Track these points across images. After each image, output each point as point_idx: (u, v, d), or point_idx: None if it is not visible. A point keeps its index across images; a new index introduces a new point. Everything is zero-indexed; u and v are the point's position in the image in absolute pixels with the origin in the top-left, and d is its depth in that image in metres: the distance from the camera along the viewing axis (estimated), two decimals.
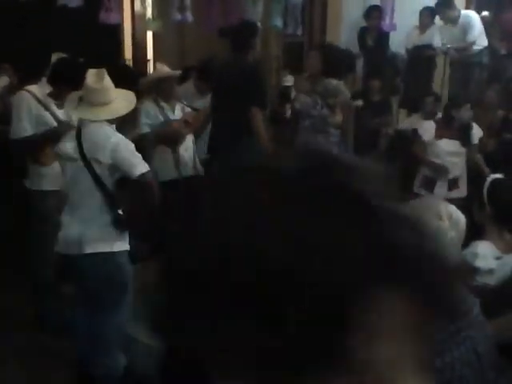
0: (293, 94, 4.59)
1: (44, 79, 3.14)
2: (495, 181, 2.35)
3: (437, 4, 5.32)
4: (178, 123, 3.94)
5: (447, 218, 1.44)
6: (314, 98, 3.91)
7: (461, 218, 1.48)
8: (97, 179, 2.43)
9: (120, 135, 2.51)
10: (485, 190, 2.32)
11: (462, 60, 5.36)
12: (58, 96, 3.15)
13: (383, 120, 5.39)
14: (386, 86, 5.55)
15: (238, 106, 3.20)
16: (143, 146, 3.48)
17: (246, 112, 3.16)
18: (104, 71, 2.48)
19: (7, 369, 2.85)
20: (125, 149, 2.45)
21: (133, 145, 2.51)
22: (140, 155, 2.51)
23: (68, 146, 2.52)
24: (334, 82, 3.93)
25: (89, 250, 2.43)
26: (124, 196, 2.50)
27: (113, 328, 2.56)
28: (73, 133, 2.54)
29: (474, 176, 4.47)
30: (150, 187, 2.50)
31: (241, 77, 3.23)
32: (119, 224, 2.49)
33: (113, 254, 2.48)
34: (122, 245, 2.52)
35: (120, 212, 2.49)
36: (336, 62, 4.01)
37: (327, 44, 4.23)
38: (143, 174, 2.44)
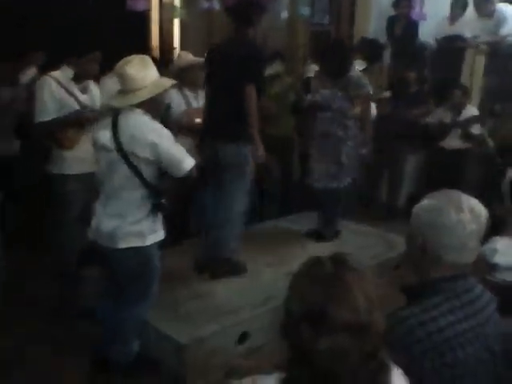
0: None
1: (66, 66, 3.18)
2: None
3: None
4: (195, 111, 3.93)
5: (468, 210, 1.41)
6: (334, 91, 3.85)
7: (482, 211, 1.44)
8: (136, 172, 2.37)
9: (156, 125, 2.41)
10: (505, 185, 2.28)
11: (500, 51, 5.22)
12: (81, 79, 3.19)
13: (422, 110, 5.26)
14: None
15: (233, 83, 3.10)
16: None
17: (241, 90, 3.06)
18: (134, 58, 2.42)
19: (29, 352, 2.91)
20: (166, 146, 2.38)
21: (170, 134, 2.45)
22: (181, 146, 2.47)
23: (102, 135, 2.45)
24: (355, 75, 3.88)
25: (122, 244, 2.42)
26: (166, 186, 2.50)
27: (134, 318, 2.60)
28: (108, 121, 2.46)
29: (493, 171, 4.38)
30: (192, 179, 2.50)
31: (237, 54, 3.13)
32: (161, 211, 2.49)
33: (145, 248, 2.47)
34: (154, 237, 2.52)
35: (163, 201, 2.48)
36: (338, 66, 3.85)
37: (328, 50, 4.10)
38: (191, 170, 2.44)
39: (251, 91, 3.09)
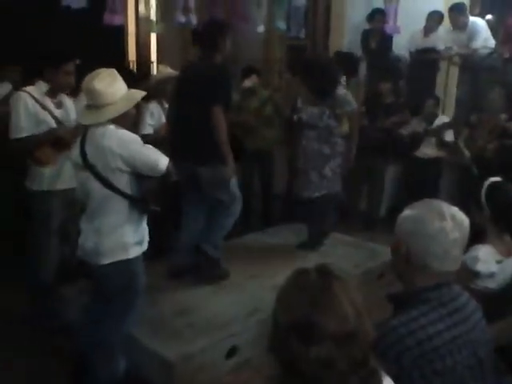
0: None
1: (40, 81, 3.15)
2: (493, 184, 2.35)
3: (450, 9, 5.28)
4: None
5: (450, 219, 1.43)
6: (322, 109, 3.85)
7: (464, 218, 1.46)
8: (109, 185, 2.34)
9: (122, 134, 2.36)
10: (483, 194, 2.31)
11: (472, 63, 5.34)
12: (56, 93, 3.17)
13: (400, 119, 5.33)
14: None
15: (201, 107, 3.17)
16: None
17: (209, 113, 3.14)
18: (102, 72, 2.36)
19: (6, 367, 2.84)
20: (137, 152, 2.35)
21: (137, 137, 2.42)
22: (150, 146, 2.44)
23: (74, 152, 2.44)
24: (341, 92, 3.89)
25: (106, 260, 2.39)
26: (148, 188, 2.46)
27: (120, 333, 2.56)
28: (79, 138, 2.43)
29: (470, 180, 4.48)
30: (170, 175, 2.47)
31: (204, 77, 3.19)
32: (150, 215, 2.48)
33: (129, 261, 2.44)
34: (139, 250, 2.50)
35: (155, 207, 2.45)
36: (326, 84, 3.87)
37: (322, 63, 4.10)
38: (167, 168, 2.40)
39: (218, 113, 3.15)
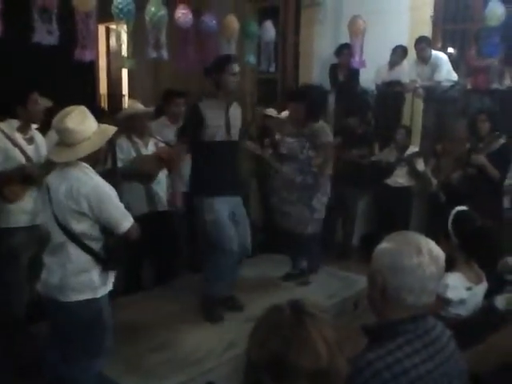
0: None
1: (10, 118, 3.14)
2: (459, 213, 2.40)
3: (418, 41, 5.47)
4: (146, 158, 3.93)
5: (427, 253, 1.43)
6: (301, 141, 3.89)
7: (440, 253, 1.47)
8: (67, 231, 2.31)
9: (96, 181, 2.35)
10: (449, 222, 2.37)
11: (436, 95, 5.53)
12: (27, 128, 3.15)
13: (362, 152, 5.48)
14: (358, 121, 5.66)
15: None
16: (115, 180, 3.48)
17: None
18: (72, 111, 2.35)
19: None
20: (106, 206, 2.33)
21: (111, 191, 2.39)
22: (122, 205, 2.41)
23: (43, 190, 2.44)
24: (319, 124, 3.93)
25: (73, 297, 2.34)
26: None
27: (87, 374, 2.47)
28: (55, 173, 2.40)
29: (438, 208, 4.58)
30: (132, 239, 2.44)
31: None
32: (109, 268, 2.44)
33: (96, 299, 2.40)
34: (105, 288, 2.45)
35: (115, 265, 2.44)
36: (319, 107, 3.97)
37: (308, 90, 4.14)
38: (128, 230, 2.39)
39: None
